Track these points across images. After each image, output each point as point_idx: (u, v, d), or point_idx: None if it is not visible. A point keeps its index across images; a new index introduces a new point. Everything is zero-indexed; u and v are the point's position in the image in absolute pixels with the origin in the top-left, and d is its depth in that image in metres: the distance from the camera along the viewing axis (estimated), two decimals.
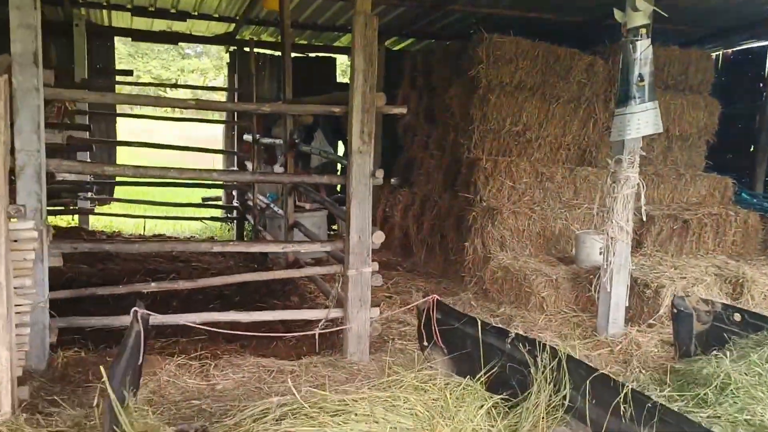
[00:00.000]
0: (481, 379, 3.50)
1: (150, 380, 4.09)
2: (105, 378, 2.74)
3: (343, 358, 4.72)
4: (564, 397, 3.16)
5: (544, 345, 3.30)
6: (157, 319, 4.00)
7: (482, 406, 3.16)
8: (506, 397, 3.42)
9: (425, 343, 4.18)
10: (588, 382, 3.02)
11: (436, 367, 3.67)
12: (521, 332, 3.50)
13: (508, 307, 6.09)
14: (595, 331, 5.47)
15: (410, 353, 4.79)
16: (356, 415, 2.94)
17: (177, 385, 4.08)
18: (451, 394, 3.21)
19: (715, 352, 3.98)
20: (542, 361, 3.28)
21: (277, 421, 3.01)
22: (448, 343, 4.01)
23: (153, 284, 4.47)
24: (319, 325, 4.68)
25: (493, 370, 3.53)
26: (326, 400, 3.09)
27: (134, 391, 3.32)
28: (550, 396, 3.22)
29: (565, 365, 3.17)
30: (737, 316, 4.44)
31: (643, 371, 4.19)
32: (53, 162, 4.16)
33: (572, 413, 3.11)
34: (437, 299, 4.08)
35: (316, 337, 4.67)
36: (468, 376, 3.47)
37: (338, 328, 4.74)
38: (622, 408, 2.82)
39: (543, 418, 3.15)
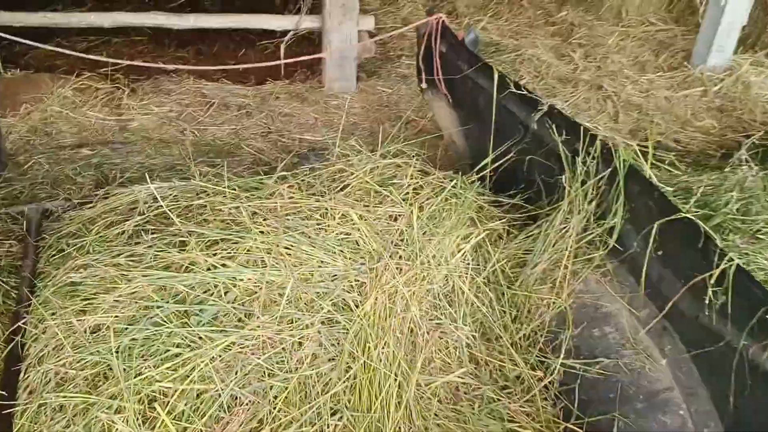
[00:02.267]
0: (485, 171, 2.21)
1: (34, 110, 2.94)
2: None
3: (320, 87, 3.42)
4: (609, 231, 1.87)
5: (594, 136, 1.90)
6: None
7: (468, 237, 1.91)
8: (520, 204, 2.16)
9: (423, 85, 2.80)
10: (654, 218, 1.69)
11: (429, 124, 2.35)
12: (560, 105, 2.05)
13: (572, 12, 4.44)
14: (688, 59, 3.88)
15: (416, 84, 3.43)
16: (248, 251, 1.76)
17: (71, 121, 2.93)
18: (421, 209, 1.95)
19: None
20: (585, 162, 1.92)
21: (128, 240, 1.88)
22: (453, 90, 2.63)
23: None
24: (285, 40, 3.28)
25: (509, 156, 2.21)
26: (219, 211, 1.91)
27: None
28: (588, 220, 1.94)
29: (622, 180, 1.81)
30: None
31: (745, 141, 2.75)
32: None
33: (620, 259, 1.86)
34: (443, 22, 2.57)
35: (281, 56, 3.29)
36: (459, 167, 2.18)
37: (313, 57, 3.32)
38: (710, 293, 1.54)
39: (569, 253, 1.92)
